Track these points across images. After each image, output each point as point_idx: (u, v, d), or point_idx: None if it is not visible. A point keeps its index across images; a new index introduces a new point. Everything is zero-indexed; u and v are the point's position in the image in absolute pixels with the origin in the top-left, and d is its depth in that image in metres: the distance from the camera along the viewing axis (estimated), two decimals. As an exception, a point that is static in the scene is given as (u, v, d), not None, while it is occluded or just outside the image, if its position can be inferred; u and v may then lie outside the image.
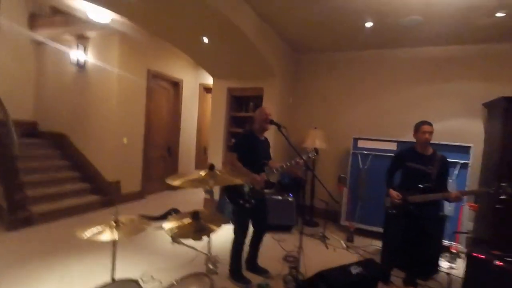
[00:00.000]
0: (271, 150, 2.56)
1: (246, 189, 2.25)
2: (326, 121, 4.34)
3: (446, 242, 2.99)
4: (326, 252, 3.13)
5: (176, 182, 1.38)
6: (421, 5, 2.71)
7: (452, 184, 3.12)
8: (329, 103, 4.40)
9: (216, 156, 4.34)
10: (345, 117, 4.29)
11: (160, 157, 5.23)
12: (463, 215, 3.19)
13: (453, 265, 2.80)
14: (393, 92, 4.01)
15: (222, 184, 1.65)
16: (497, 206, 2.81)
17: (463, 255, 2.87)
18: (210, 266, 1.38)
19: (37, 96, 4.97)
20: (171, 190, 5.25)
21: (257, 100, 4.18)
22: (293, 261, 2.67)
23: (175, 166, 5.52)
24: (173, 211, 3.81)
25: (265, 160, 2.39)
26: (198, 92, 6.00)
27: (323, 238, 3.38)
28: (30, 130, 4.82)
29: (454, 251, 2.98)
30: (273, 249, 3.05)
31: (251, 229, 2.43)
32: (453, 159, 3.15)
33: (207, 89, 5.91)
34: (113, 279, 1.62)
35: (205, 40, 3.39)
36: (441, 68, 3.74)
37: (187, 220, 1.47)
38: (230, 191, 2.28)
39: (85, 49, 4.34)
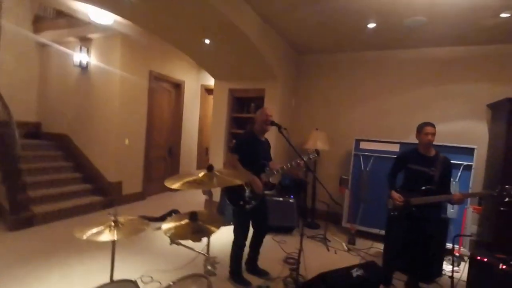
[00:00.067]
0: (272, 151, 2.55)
1: (246, 190, 2.24)
2: (328, 123, 4.32)
3: (449, 245, 2.95)
4: (327, 254, 3.10)
5: (174, 186, 1.36)
6: (425, 5, 2.69)
7: (455, 186, 3.08)
8: (331, 104, 4.38)
9: (217, 157, 4.34)
10: (347, 118, 4.26)
11: (161, 158, 5.24)
12: (467, 218, 3.14)
13: (456, 269, 2.76)
14: (395, 93, 3.98)
15: (221, 185, 1.64)
16: (501, 208, 2.76)
17: (466, 258, 2.83)
18: (209, 267, 1.37)
19: (40, 97, 5.02)
20: (172, 191, 5.24)
21: (259, 101, 4.18)
22: (293, 263, 2.65)
23: (177, 167, 5.53)
24: (173, 212, 3.81)
25: (266, 161, 2.38)
26: (200, 93, 6.02)
27: (324, 240, 3.35)
28: (33, 131, 4.87)
29: (458, 254, 2.94)
30: (273, 250, 3.03)
31: (251, 230, 2.41)
32: (456, 160, 3.12)
33: (208, 91, 5.91)
34: (111, 280, 1.61)
35: (207, 41, 3.40)
36: (445, 69, 3.71)
37: (185, 221, 1.47)
38: (230, 193, 2.27)
39: (88, 51, 4.38)
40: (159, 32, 3.50)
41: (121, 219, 1.61)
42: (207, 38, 3.34)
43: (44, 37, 4.74)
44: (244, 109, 4.49)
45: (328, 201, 3.31)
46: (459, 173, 3.20)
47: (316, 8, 2.93)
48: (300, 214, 3.71)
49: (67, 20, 4.40)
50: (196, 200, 4.66)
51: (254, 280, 2.38)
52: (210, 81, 5.04)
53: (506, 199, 2.00)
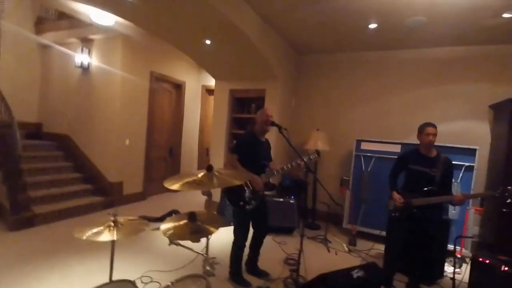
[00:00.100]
0: (272, 152, 2.54)
1: (246, 191, 2.24)
2: (329, 123, 4.31)
3: (451, 247, 2.93)
4: (328, 255, 3.09)
5: (173, 186, 1.36)
6: (425, 5, 2.68)
7: (457, 187, 3.07)
8: (331, 104, 4.37)
9: (218, 157, 4.34)
10: (348, 118, 4.25)
11: (162, 158, 5.25)
12: (469, 219, 3.12)
13: (458, 270, 2.74)
14: (396, 94, 3.97)
15: (221, 186, 1.64)
16: (504, 210, 2.75)
17: (468, 260, 2.81)
18: (207, 268, 1.36)
19: (42, 98, 5.04)
20: (173, 191, 5.24)
21: (259, 101, 4.18)
22: (294, 264, 2.63)
23: (177, 167, 5.53)
24: (174, 212, 3.81)
25: (266, 161, 2.37)
26: (201, 94, 6.02)
27: (325, 241, 3.34)
28: (35, 131, 4.89)
29: (459, 255, 2.92)
30: (274, 251, 3.02)
31: (251, 231, 2.41)
32: (458, 161, 3.10)
33: (209, 91, 5.92)
34: (110, 280, 1.61)
35: (207, 42, 3.40)
36: (445, 69, 3.69)
37: (183, 222, 1.46)
38: (230, 193, 2.27)
39: (89, 52, 4.40)
40: (160, 33, 3.51)
41: (120, 219, 1.61)
42: (208, 38, 3.34)
43: (46, 39, 4.76)
44: (244, 110, 4.50)
45: (328, 202, 3.30)
46: (461, 174, 3.18)
47: (316, 8, 2.93)
48: (300, 214, 3.70)
49: (69, 21, 4.42)
50: (196, 200, 4.66)
51: (254, 281, 2.37)
52: (211, 82, 5.04)
53: (508, 200, 1.98)
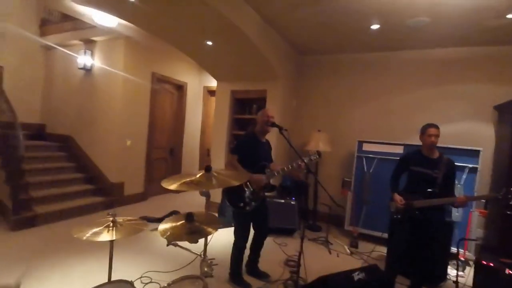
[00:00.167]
0: (272, 153, 2.53)
1: (246, 191, 2.23)
2: (330, 124, 4.29)
3: (454, 249, 2.89)
4: (329, 257, 3.06)
5: (171, 186, 1.36)
6: (427, 5, 2.66)
7: (460, 189, 3.03)
8: (333, 105, 4.35)
9: (219, 158, 4.34)
10: (350, 119, 4.23)
11: (163, 159, 5.26)
12: (472, 222, 3.07)
13: (461, 273, 2.70)
14: (399, 94, 3.94)
15: (219, 186, 1.63)
16: (507, 212, 2.70)
17: (471, 263, 2.77)
18: (205, 269, 1.35)
19: (45, 99, 5.09)
20: (174, 192, 5.25)
21: (261, 102, 4.17)
22: (294, 265, 2.61)
23: (178, 168, 5.53)
24: (174, 213, 3.80)
25: (266, 162, 2.36)
26: (202, 95, 6.03)
27: (326, 243, 3.31)
28: (38, 132, 4.93)
29: (463, 258, 2.87)
30: (274, 253, 3.00)
31: (252, 232, 2.39)
32: (461, 163, 3.06)
33: (211, 92, 5.93)
34: (109, 280, 1.61)
35: (209, 43, 3.41)
36: (448, 70, 3.66)
37: (181, 222, 1.45)
38: (230, 194, 2.26)
39: (92, 54, 4.43)
40: (160, 34, 3.52)
41: (119, 219, 1.61)
42: (208, 39, 3.35)
43: (49, 40, 4.80)
44: (246, 111, 4.49)
45: (330, 203, 3.27)
46: (464, 176, 3.14)
47: (317, 8, 2.92)
48: (301, 216, 3.68)
49: (72, 23, 4.46)
50: (197, 201, 4.65)
51: (255, 282, 2.36)
52: (213, 83, 5.05)
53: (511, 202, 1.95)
